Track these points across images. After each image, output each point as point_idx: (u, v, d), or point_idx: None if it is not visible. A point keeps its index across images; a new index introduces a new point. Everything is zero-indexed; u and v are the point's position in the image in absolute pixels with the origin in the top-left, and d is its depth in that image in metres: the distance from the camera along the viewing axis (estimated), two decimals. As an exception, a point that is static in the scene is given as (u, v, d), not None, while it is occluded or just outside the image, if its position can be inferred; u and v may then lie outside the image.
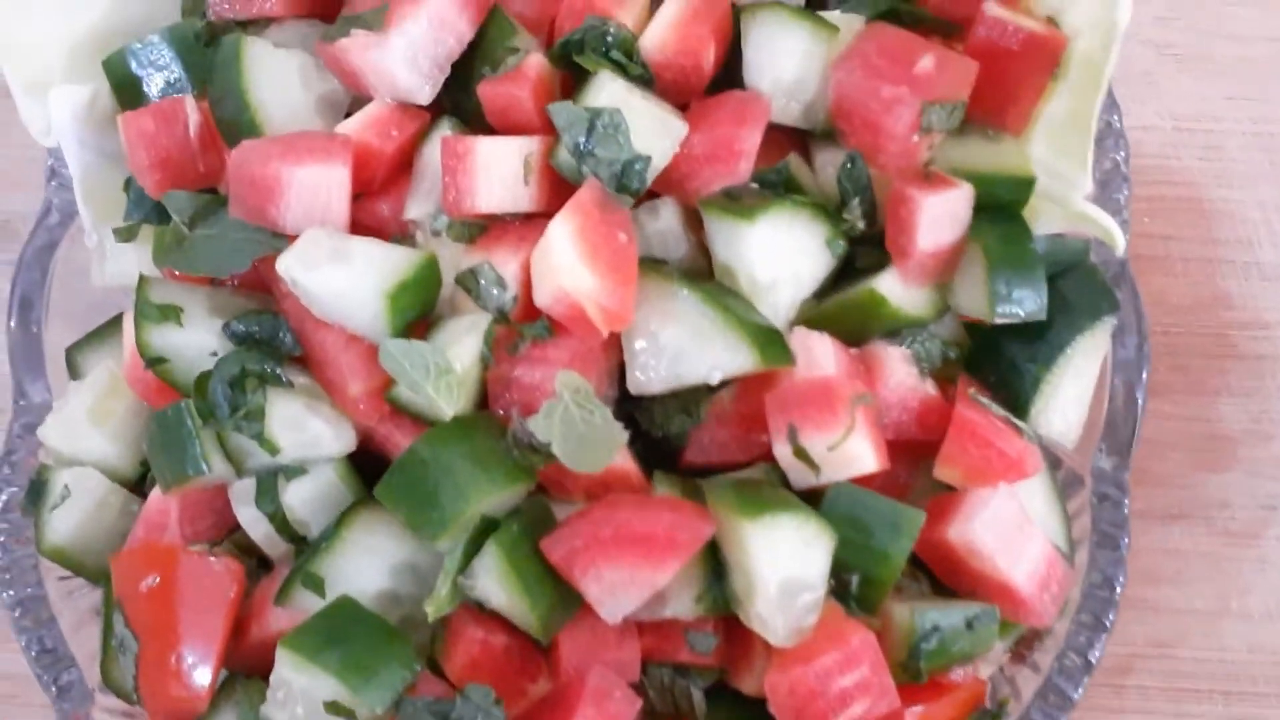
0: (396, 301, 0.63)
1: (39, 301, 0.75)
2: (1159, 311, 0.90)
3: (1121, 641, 0.83)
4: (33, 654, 0.70)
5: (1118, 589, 0.70)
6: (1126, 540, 0.72)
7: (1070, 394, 0.71)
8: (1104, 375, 0.73)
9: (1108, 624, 0.70)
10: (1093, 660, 0.70)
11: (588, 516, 0.62)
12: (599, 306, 0.63)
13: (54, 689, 0.71)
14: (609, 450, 0.62)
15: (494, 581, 0.62)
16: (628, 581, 0.61)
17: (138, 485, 0.75)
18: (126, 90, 0.75)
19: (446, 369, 0.63)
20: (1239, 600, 0.85)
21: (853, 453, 0.64)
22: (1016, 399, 0.70)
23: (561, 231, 0.63)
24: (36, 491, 0.72)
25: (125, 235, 0.73)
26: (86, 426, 0.73)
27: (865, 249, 0.71)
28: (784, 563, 0.62)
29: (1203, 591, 0.85)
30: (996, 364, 0.71)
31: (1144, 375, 0.73)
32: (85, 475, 0.72)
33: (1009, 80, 0.70)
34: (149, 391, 0.71)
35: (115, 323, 0.77)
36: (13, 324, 0.76)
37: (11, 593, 0.71)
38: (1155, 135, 0.92)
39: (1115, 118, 0.72)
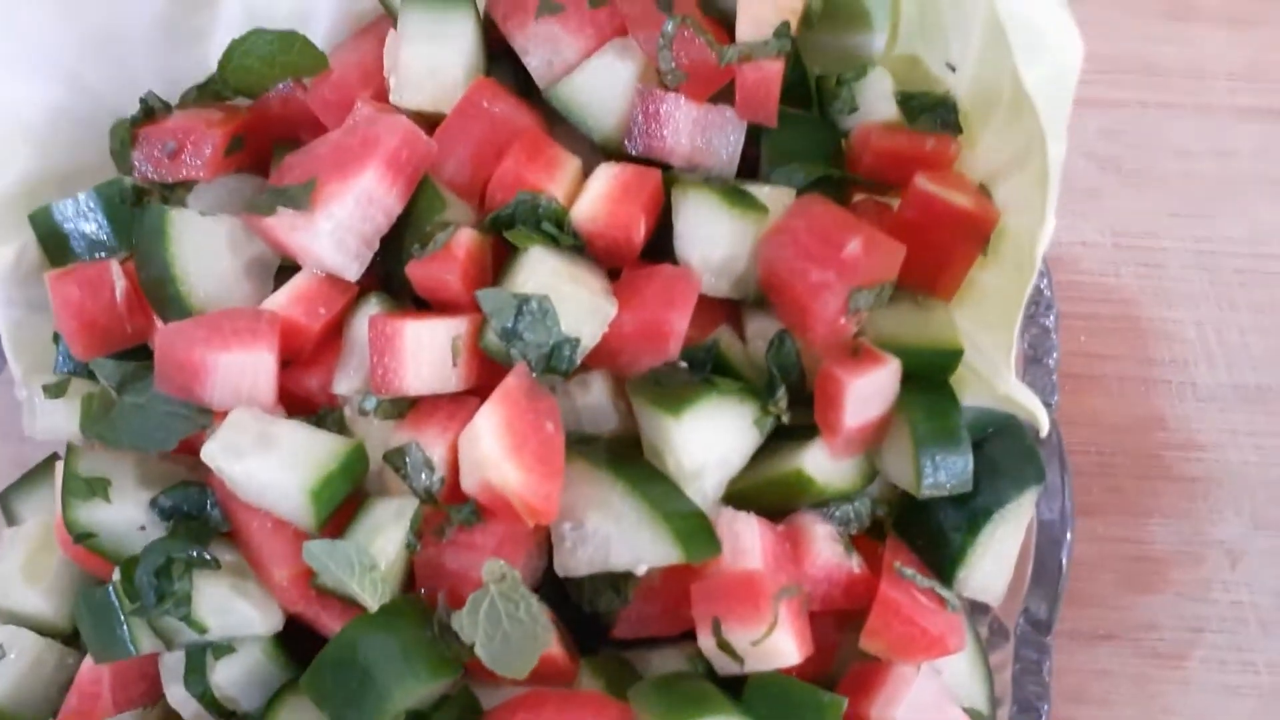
0: (320, 496, 0.63)
1: None
2: (1094, 431, 0.94)
3: None
4: None
5: None
6: (1048, 708, 0.72)
7: (995, 558, 0.71)
8: (1030, 534, 0.73)
9: None
10: None
11: (514, 715, 0.61)
12: (524, 501, 0.63)
13: None
14: (533, 653, 0.62)
15: None
16: None
17: (73, 638, 0.74)
18: (53, 245, 0.74)
19: (371, 565, 0.62)
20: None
21: (776, 647, 0.64)
22: (943, 562, 0.71)
23: (488, 425, 0.63)
24: None
25: (54, 392, 0.72)
26: (20, 585, 0.72)
27: (795, 409, 0.70)
28: None
29: (1127, 713, 0.86)
30: (924, 526, 0.71)
31: (1068, 538, 0.73)
32: (19, 635, 0.72)
33: (939, 251, 0.70)
34: (79, 555, 0.70)
35: (48, 465, 0.77)
36: None
37: None
38: (1095, 251, 0.92)
39: (1045, 283, 0.72)
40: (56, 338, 0.77)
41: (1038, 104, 0.60)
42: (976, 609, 0.75)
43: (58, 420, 0.74)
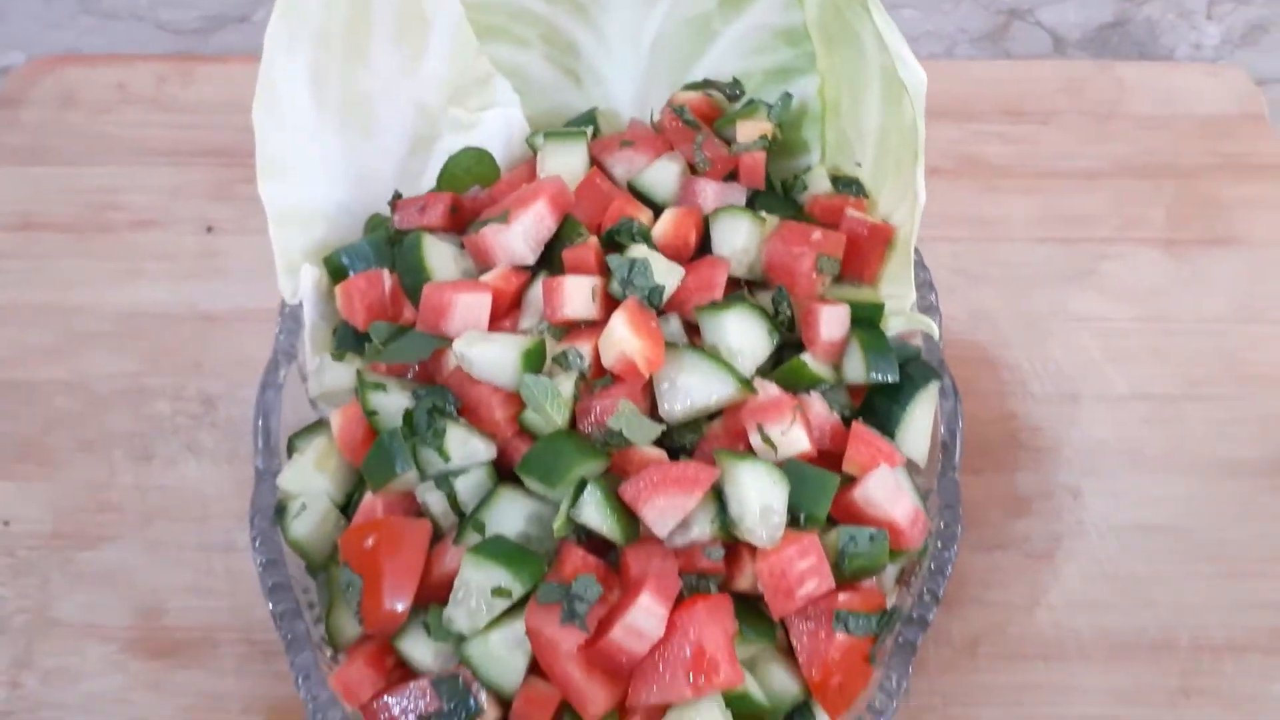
0: (526, 360, 0.93)
1: (278, 406, 1.02)
2: (972, 424, 1.15)
3: (971, 625, 1.09)
4: (278, 614, 0.93)
5: (955, 541, 0.95)
6: (961, 516, 0.98)
7: (918, 428, 0.98)
8: (936, 421, 1.00)
9: (950, 560, 0.95)
10: (947, 572, 0.94)
11: (644, 472, 0.89)
12: (643, 357, 0.91)
13: (290, 638, 0.92)
14: (653, 433, 0.92)
15: (593, 510, 0.87)
16: (669, 507, 0.86)
17: (344, 510, 0.97)
18: (338, 274, 1.05)
19: (558, 393, 0.93)
20: (1044, 596, 1.10)
21: (795, 437, 0.91)
22: (886, 431, 0.97)
23: (620, 319, 0.92)
24: (281, 509, 0.97)
25: (338, 356, 1.02)
26: (313, 472, 0.96)
27: (789, 349, 1.01)
28: (761, 493, 0.87)
29: (1020, 591, 1.10)
30: (873, 412, 0.98)
31: (959, 421, 0.99)
32: (315, 497, 0.95)
33: (864, 253, 1.02)
34: (354, 452, 0.95)
35: (318, 425, 1.02)
36: (261, 416, 1.01)
37: (269, 576, 0.94)
38: (957, 323, 1.25)
39: (924, 267, 1.09)
40: (335, 331, 1.05)
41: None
42: (912, 469, 0.97)
43: (339, 376, 1.01)
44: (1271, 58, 1.50)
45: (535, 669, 0.91)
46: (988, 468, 1.17)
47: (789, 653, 0.94)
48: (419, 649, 0.92)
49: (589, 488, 0.90)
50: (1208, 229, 1.31)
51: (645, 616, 0.87)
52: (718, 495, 0.92)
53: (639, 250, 0.99)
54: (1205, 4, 1.53)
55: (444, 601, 0.89)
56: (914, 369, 1.02)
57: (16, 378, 1.21)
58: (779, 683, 0.93)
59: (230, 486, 1.15)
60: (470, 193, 1.12)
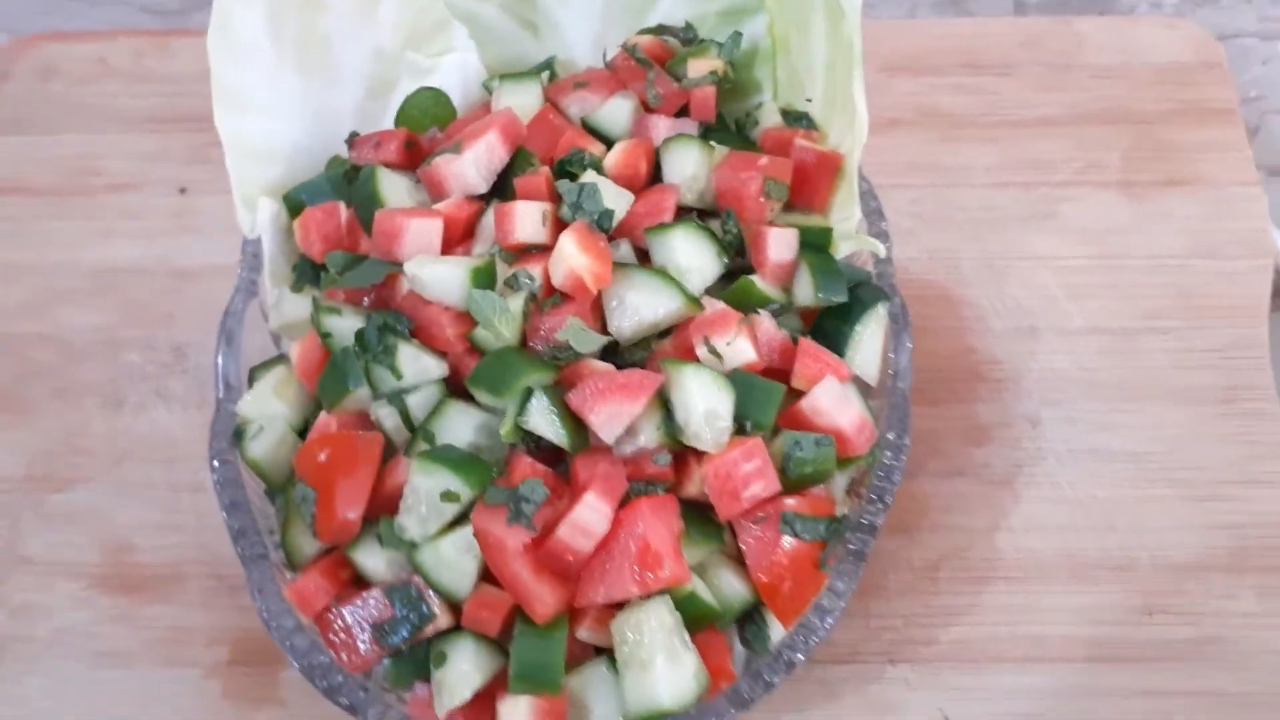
0: (475, 277, 0.94)
1: (238, 336, 1.03)
2: (932, 359, 1.20)
3: (931, 550, 1.10)
4: (234, 529, 0.94)
5: (904, 452, 0.96)
6: (910, 428, 0.98)
7: (869, 347, 0.99)
8: (886, 343, 1.00)
9: (899, 468, 0.96)
10: (895, 479, 0.96)
11: (590, 379, 0.90)
12: (591, 273, 0.92)
13: (245, 554, 0.93)
14: (599, 343, 0.94)
15: (540, 416, 0.88)
16: (615, 413, 0.88)
17: (301, 434, 1.00)
18: (296, 211, 1.06)
19: (506, 309, 0.94)
20: (1004, 521, 1.11)
21: (740, 348, 0.91)
22: (836, 350, 0.97)
23: (568, 238, 0.93)
24: (239, 432, 0.98)
25: (296, 288, 1.04)
26: (271, 397, 0.98)
27: (740, 276, 1.04)
28: (706, 398, 0.89)
29: (981, 517, 1.11)
30: (823, 332, 0.99)
31: (908, 342, 1.00)
32: (272, 419, 0.97)
33: (813, 181, 1.03)
34: (311, 380, 0.97)
35: (278, 358, 1.04)
36: (223, 344, 1.02)
37: (225, 494, 0.95)
38: (916, 264, 1.26)
39: (874, 196, 1.10)
40: (295, 266, 1.07)
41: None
42: (864, 390, 0.98)
43: (298, 307, 1.04)
44: (1229, 14, 1.51)
45: (486, 576, 0.92)
46: (948, 399, 1.18)
47: (739, 561, 0.95)
48: (372, 559, 0.94)
49: (536, 394, 0.92)
50: (1164, 171, 1.32)
51: (590, 513, 0.88)
52: (665, 404, 0.94)
53: (589, 176, 1.00)
54: (1165, -34, 1.54)
55: (394, 512, 0.91)
56: (863, 291, 1.03)
57: (-9, 331, 1.22)
58: (729, 586, 0.94)
59: (198, 430, 1.16)
60: (428, 134, 1.14)
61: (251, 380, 1.05)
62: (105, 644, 1.07)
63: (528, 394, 0.92)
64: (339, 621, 0.92)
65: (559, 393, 0.93)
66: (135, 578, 1.10)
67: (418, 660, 0.93)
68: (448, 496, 0.90)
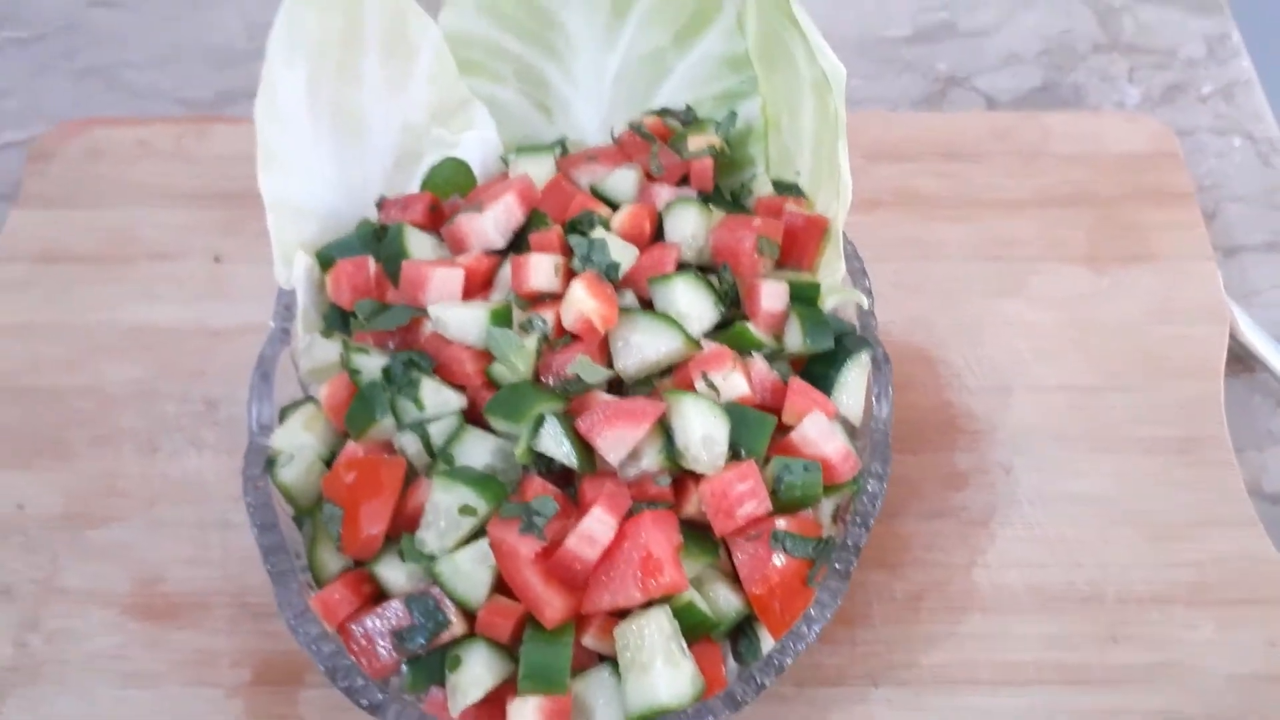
0: (494, 318, 1.02)
1: (272, 375, 1.10)
2: (912, 412, 1.27)
3: (913, 583, 1.15)
4: (265, 547, 1.00)
5: (884, 480, 1.03)
6: (890, 458, 1.05)
7: (853, 389, 1.06)
8: (869, 388, 1.07)
9: (880, 494, 1.02)
10: (877, 504, 1.02)
11: (597, 406, 0.99)
12: (599, 315, 1.00)
13: (273, 574, 0.99)
14: (606, 375, 1.02)
15: (551, 439, 0.96)
16: (620, 437, 0.95)
17: (328, 463, 1.06)
18: (328, 266, 1.14)
19: (521, 345, 1.02)
20: (981, 557, 1.17)
21: (735, 382, 0.99)
22: (823, 392, 1.04)
23: (579, 284, 1.02)
24: (271, 460, 1.04)
25: (326, 334, 1.13)
26: (301, 430, 1.04)
27: (733, 321, 1.11)
28: (704, 424, 0.96)
29: (959, 554, 1.17)
30: (811, 377, 1.05)
31: (889, 389, 1.07)
32: (301, 448, 1.04)
33: (802, 242, 1.11)
34: (339, 417, 1.03)
35: (306, 399, 1.12)
36: (258, 382, 1.09)
37: (258, 516, 1.01)
38: (898, 325, 1.33)
39: (857, 256, 1.22)
40: (325, 316, 1.15)
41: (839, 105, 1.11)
42: (846, 429, 1.04)
43: (327, 351, 1.10)
44: (1187, 113, 1.63)
45: (499, 587, 0.99)
46: (928, 448, 1.25)
47: (733, 577, 1.02)
48: (393, 572, 1.01)
49: (547, 419, 1.00)
50: (1126, 248, 1.42)
51: (597, 524, 0.95)
52: (666, 432, 1.02)
53: (598, 233, 1.09)
54: (1127, 69, 1.67)
55: (416, 531, 0.99)
56: (848, 340, 1.11)
57: (38, 384, 1.31)
58: (723, 599, 1.01)
59: (228, 474, 1.24)
60: (450, 200, 1.24)
61: (282, 418, 1.12)
62: (133, 665, 1.13)
63: (540, 419, 1.00)
64: (360, 629, 0.98)
65: (569, 419, 1.02)
66: (164, 606, 1.16)
67: (433, 667, 0.99)
68: (465, 511, 0.97)
